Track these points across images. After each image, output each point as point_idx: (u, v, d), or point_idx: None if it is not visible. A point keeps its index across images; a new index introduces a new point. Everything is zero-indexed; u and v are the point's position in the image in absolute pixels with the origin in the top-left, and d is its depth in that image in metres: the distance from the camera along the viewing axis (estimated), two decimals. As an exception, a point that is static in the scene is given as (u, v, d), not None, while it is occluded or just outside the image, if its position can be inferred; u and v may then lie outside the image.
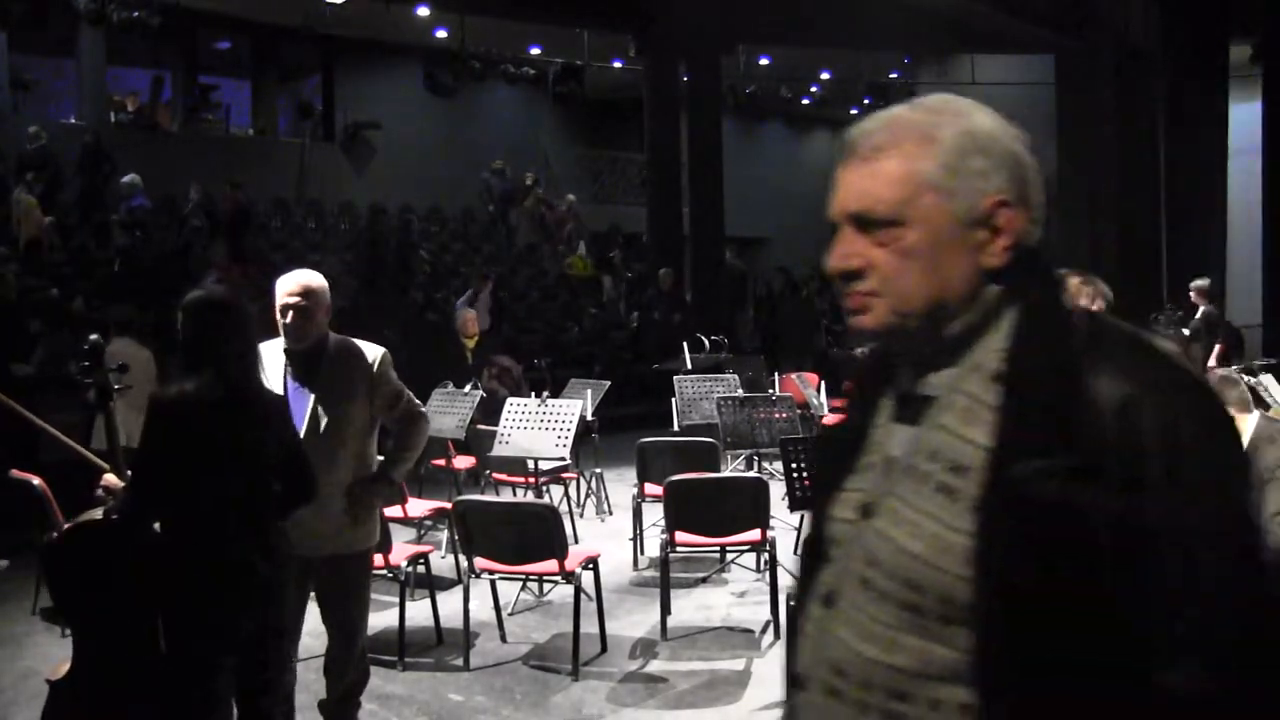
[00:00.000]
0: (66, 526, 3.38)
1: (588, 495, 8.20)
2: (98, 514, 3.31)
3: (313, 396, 3.63)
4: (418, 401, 3.96)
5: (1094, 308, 6.51)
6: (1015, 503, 1.09)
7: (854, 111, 23.90)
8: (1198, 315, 12.17)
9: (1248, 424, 4.11)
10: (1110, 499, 1.06)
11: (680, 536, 5.40)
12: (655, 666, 4.97)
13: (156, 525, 3.22)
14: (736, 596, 5.98)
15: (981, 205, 1.17)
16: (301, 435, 3.46)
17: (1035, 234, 1.20)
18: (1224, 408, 1.14)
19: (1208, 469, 1.08)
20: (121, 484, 3.28)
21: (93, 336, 3.44)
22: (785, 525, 6.30)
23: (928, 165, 1.17)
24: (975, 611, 1.10)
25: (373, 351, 3.81)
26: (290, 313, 3.62)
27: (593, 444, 8.18)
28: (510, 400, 6.56)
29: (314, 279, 3.73)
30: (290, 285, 3.67)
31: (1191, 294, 11.78)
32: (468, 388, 7.52)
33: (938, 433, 1.17)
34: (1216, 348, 11.31)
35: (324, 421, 3.60)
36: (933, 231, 1.17)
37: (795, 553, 6.16)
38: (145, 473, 3.09)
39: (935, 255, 1.17)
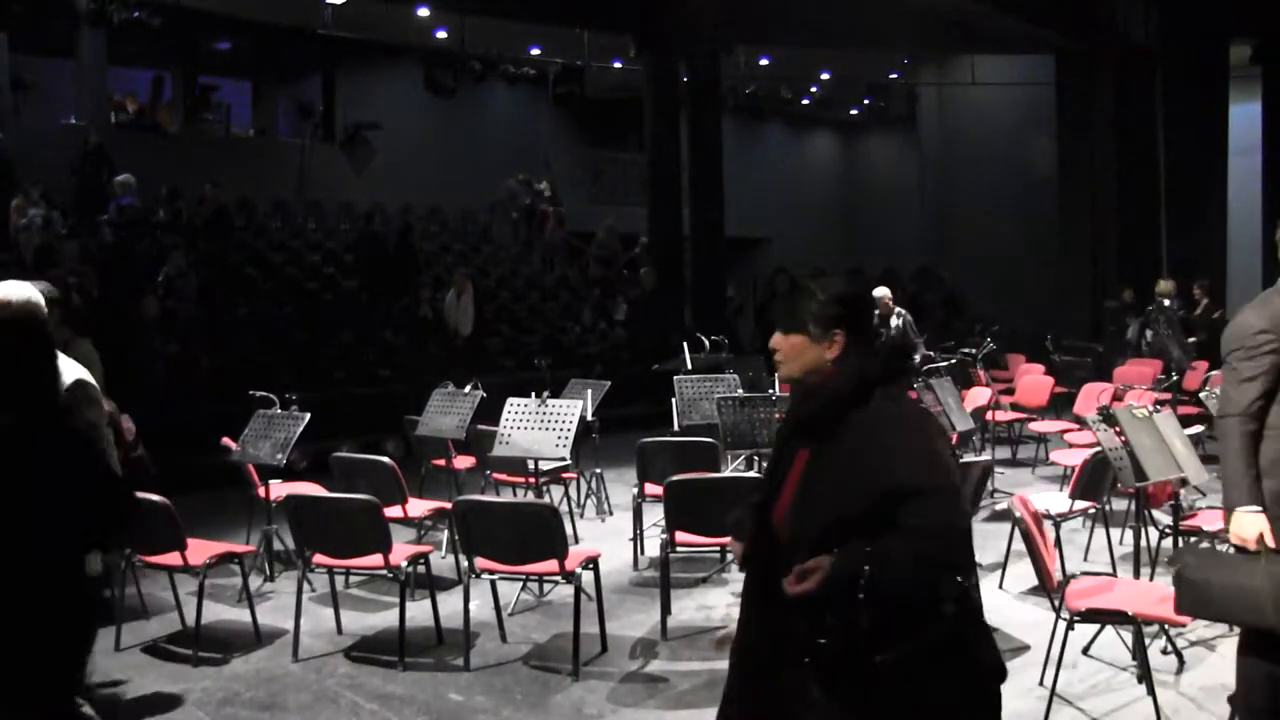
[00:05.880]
0: None
1: (588, 495, 8.20)
2: None
3: None
4: (112, 455, 3.41)
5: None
6: None
7: (854, 112, 23.94)
8: (1198, 311, 12.25)
9: None
10: None
11: (680, 536, 5.40)
12: (655, 666, 4.98)
13: None
14: (736, 596, 5.94)
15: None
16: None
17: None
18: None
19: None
20: None
21: None
22: (785, 525, 6.28)
23: None
24: None
25: (67, 375, 3.23)
26: None
27: (593, 444, 8.19)
28: (510, 400, 6.54)
29: (15, 291, 3.05)
30: None
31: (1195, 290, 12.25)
32: (468, 388, 7.51)
33: None
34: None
35: None
36: None
37: (795, 553, 6.15)
38: None
39: None
